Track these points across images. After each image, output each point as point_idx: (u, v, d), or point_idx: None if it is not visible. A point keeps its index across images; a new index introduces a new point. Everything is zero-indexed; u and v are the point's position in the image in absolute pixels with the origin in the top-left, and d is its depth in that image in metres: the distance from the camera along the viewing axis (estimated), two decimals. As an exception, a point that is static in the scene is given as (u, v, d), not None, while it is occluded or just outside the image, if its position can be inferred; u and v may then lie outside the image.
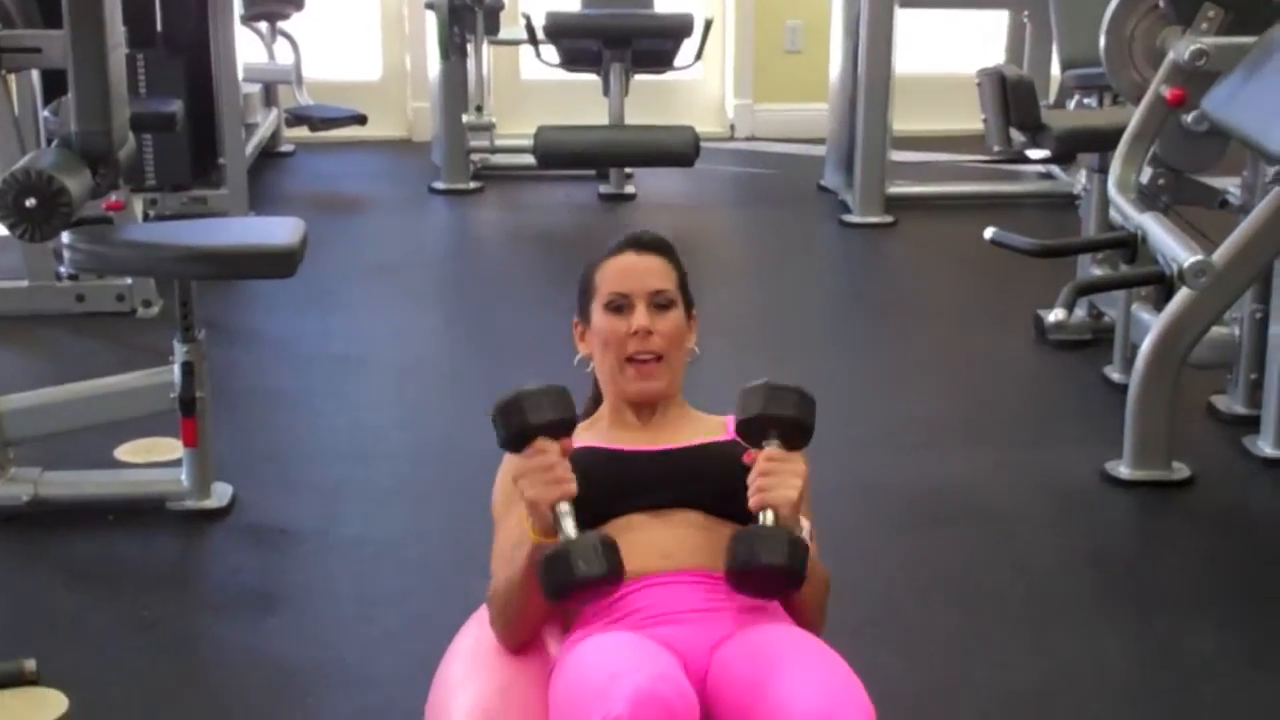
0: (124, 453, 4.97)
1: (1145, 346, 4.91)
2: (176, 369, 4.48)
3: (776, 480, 2.56)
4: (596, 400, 2.92)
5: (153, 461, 4.88)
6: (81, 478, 4.70)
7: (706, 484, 2.68)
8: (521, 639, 2.67)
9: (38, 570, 4.33)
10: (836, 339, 6.49)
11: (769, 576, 2.52)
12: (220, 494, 4.64)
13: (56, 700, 3.58)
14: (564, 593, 2.48)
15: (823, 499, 4.83)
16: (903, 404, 5.60)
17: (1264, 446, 5.08)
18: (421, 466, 5.05)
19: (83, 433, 4.72)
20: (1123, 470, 4.90)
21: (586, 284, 2.82)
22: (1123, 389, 5.48)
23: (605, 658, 2.43)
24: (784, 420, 2.61)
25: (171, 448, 4.81)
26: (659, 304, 2.76)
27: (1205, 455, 5.04)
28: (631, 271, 2.77)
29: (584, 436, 2.73)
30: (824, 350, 6.26)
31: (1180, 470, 4.91)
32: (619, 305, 2.75)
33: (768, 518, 2.53)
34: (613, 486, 2.67)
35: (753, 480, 2.57)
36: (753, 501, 2.55)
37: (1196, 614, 4.08)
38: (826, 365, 5.99)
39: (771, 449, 2.58)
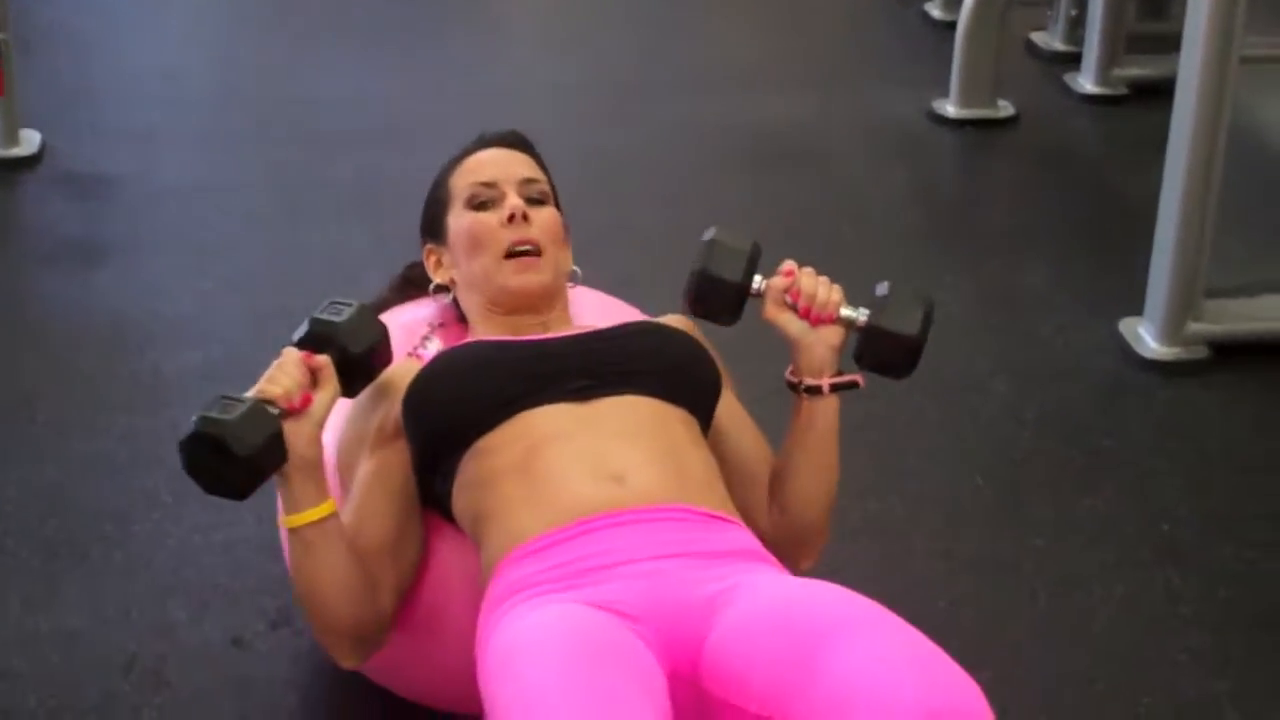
0: (-80, 100, 4.70)
1: (975, -18, 4.88)
2: (-25, 9, 4.21)
3: (822, 281, 2.20)
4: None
5: (-47, 108, 4.62)
6: (-124, 125, 4.43)
7: (652, 352, 2.19)
8: (345, 624, 2.09)
9: None
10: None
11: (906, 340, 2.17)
12: (29, 141, 4.42)
13: (-118, 361, 3.44)
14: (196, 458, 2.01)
15: (654, 139, 4.84)
16: (722, 43, 5.54)
17: (1084, 83, 5.13)
18: (235, 111, 4.86)
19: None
20: (949, 109, 4.91)
21: (437, 195, 2.38)
22: (944, 25, 5.48)
23: (551, 696, 1.70)
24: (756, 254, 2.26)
25: (-28, 93, 4.56)
26: (531, 197, 2.31)
27: (1027, 93, 5.08)
28: (495, 161, 2.34)
29: None
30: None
31: (1005, 108, 4.94)
32: (485, 199, 2.30)
33: (857, 313, 2.19)
34: (506, 375, 2.12)
35: (809, 290, 2.18)
36: (830, 305, 2.18)
37: (1028, 251, 4.15)
38: (647, 8, 5.87)
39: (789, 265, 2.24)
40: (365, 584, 2.09)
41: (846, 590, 1.87)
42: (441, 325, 2.44)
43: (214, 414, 1.97)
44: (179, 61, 5.17)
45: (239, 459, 1.96)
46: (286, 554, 2.17)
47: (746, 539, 2.05)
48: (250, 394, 2.02)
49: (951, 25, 5.17)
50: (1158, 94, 5.02)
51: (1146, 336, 3.65)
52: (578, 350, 2.17)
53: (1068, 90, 5.12)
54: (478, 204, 2.30)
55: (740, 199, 4.39)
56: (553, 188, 2.39)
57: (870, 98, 5.06)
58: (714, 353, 2.32)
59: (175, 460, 3.09)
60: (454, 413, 2.11)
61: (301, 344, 2.11)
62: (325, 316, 2.13)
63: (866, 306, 2.19)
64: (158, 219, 4.15)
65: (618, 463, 2.03)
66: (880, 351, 2.19)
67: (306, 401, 2.04)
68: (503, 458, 2.06)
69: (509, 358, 2.16)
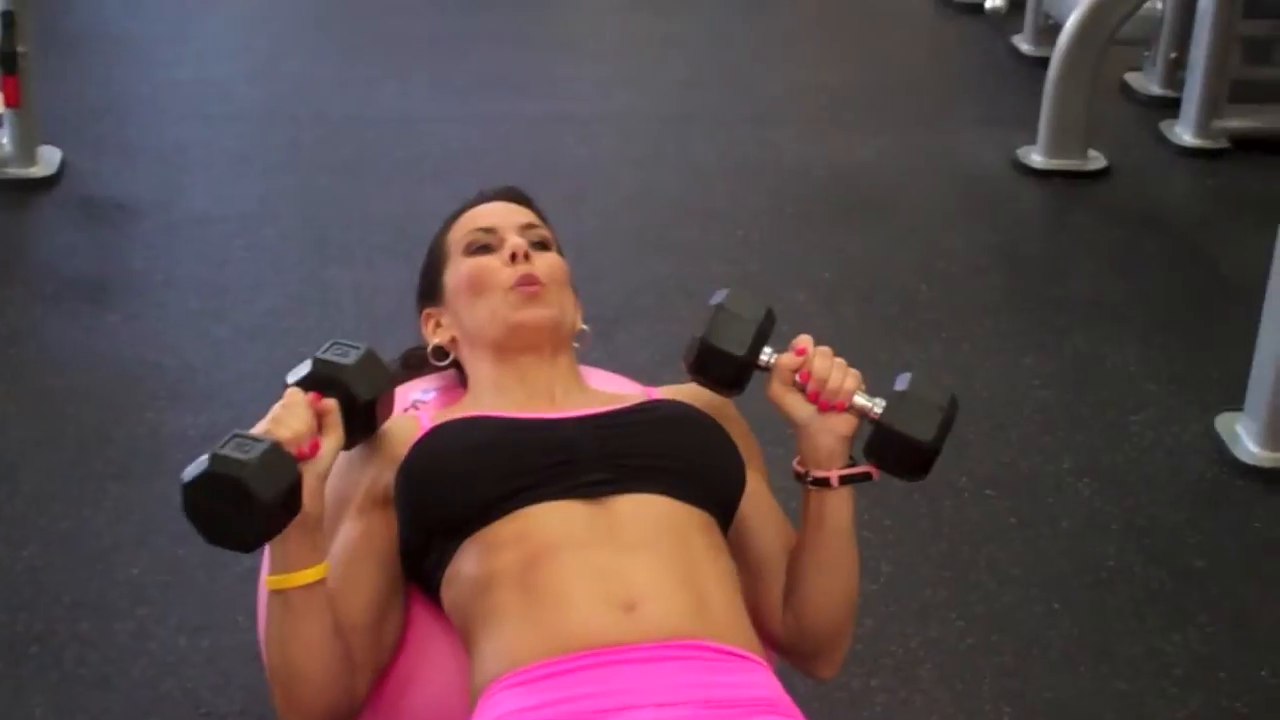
0: (-64, 108, 4.44)
1: (1072, 21, 4.52)
2: (-6, 19, 3.94)
3: (838, 364, 1.96)
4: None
5: (-30, 119, 4.36)
6: (-112, 137, 4.17)
7: (675, 445, 1.96)
8: (319, 706, 1.86)
9: None
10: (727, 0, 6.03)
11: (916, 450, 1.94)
12: (48, 160, 4.15)
13: None
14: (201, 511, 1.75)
15: (720, 178, 4.54)
16: (802, 73, 5.20)
17: (1182, 134, 4.77)
18: (272, 131, 4.58)
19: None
20: (1036, 158, 4.57)
21: (434, 256, 2.17)
22: (1033, 62, 5.17)
23: None
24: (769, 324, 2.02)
25: (-9, 103, 4.30)
26: (533, 242, 2.10)
27: (1120, 142, 4.73)
28: (493, 211, 2.15)
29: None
30: (714, 13, 5.80)
31: (1096, 159, 4.59)
32: (484, 244, 2.09)
33: (872, 403, 1.94)
34: (512, 462, 1.90)
35: (821, 373, 1.94)
36: (843, 393, 1.93)
37: (1116, 326, 3.80)
38: (718, 30, 5.55)
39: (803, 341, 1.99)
40: (345, 662, 1.86)
41: None
42: (437, 390, 2.20)
43: (231, 453, 1.71)
44: (219, 74, 4.90)
45: (260, 506, 1.72)
46: (261, 620, 1.92)
47: (764, 682, 1.80)
48: (255, 432, 1.76)
49: (1041, 61, 4.84)
50: (1262, 149, 4.71)
51: (1245, 437, 3.30)
52: (592, 436, 1.93)
53: (1164, 140, 4.77)
54: (476, 249, 2.09)
55: (805, 250, 4.07)
56: (559, 245, 2.17)
57: (951, 141, 4.72)
58: (744, 430, 2.09)
59: (166, 545, 2.88)
60: (452, 501, 1.87)
61: (303, 385, 1.86)
62: (331, 358, 1.88)
63: (884, 397, 1.94)
64: (177, 253, 3.87)
65: (630, 586, 1.80)
66: (889, 452, 1.95)
67: (315, 449, 1.80)
68: (502, 560, 1.84)
69: (516, 440, 1.92)
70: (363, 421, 1.90)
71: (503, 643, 1.80)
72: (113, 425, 3.20)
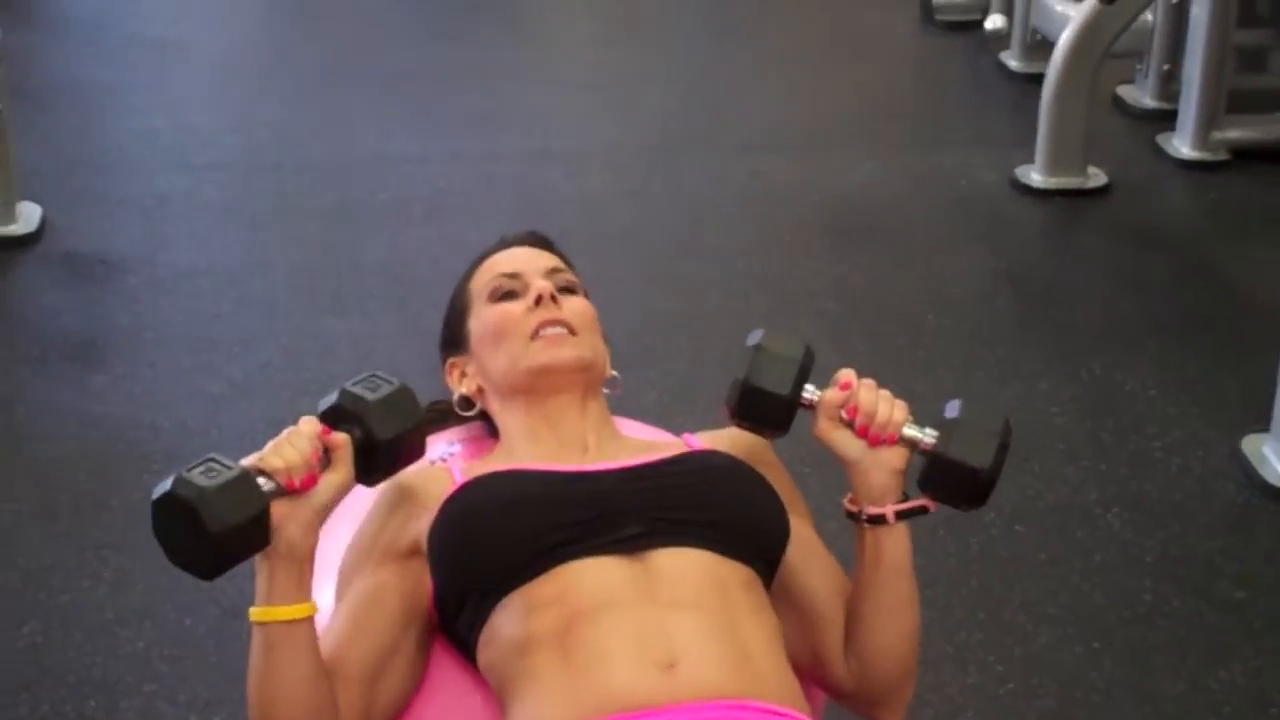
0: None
1: (1066, 37, 4.44)
2: (-33, 73, 3.85)
3: (884, 396, 1.86)
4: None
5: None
6: None
7: (713, 497, 1.88)
8: None
9: None
10: (708, 26, 5.94)
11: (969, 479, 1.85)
12: (28, 216, 4.05)
13: None
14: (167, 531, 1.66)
15: (713, 210, 4.46)
16: (789, 98, 5.12)
17: (1180, 147, 4.70)
18: (255, 178, 4.47)
19: None
20: (1035, 177, 4.49)
21: (457, 304, 2.10)
22: (1024, 79, 5.11)
23: None
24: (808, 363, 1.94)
25: (-33, 161, 4.18)
26: (560, 286, 2.02)
27: (1117, 157, 4.65)
28: (516, 256, 2.07)
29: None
30: (697, 39, 5.72)
31: (1096, 176, 4.51)
32: (509, 290, 2.02)
33: (923, 434, 1.85)
34: (549, 517, 1.83)
35: (869, 407, 1.85)
36: (892, 425, 1.84)
37: (1130, 348, 3.72)
38: (701, 56, 5.47)
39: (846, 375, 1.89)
40: (327, 712, 1.75)
41: None
42: (463, 443, 2.11)
43: (194, 476, 1.62)
44: (196, 122, 4.80)
45: (208, 535, 1.62)
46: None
47: None
48: (247, 461, 1.67)
49: (1031, 78, 4.78)
50: (1262, 159, 4.64)
51: (1274, 459, 3.22)
52: (631, 489, 1.85)
53: (1161, 154, 4.70)
54: (501, 295, 2.01)
55: (806, 281, 3.99)
56: (582, 285, 2.09)
57: (946, 162, 4.64)
58: (785, 476, 2.00)
59: (172, 616, 2.78)
60: (488, 561, 1.79)
61: (324, 416, 1.76)
62: (357, 391, 1.78)
63: (934, 427, 1.85)
64: (164, 308, 3.77)
65: (670, 644, 1.73)
66: (946, 483, 1.87)
67: (310, 483, 1.70)
68: (540, 621, 1.76)
69: (552, 496, 1.83)
70: (382, 461, 1.80)
71: (538, 706, 1.73)
72: (109, 491, 3.09)
